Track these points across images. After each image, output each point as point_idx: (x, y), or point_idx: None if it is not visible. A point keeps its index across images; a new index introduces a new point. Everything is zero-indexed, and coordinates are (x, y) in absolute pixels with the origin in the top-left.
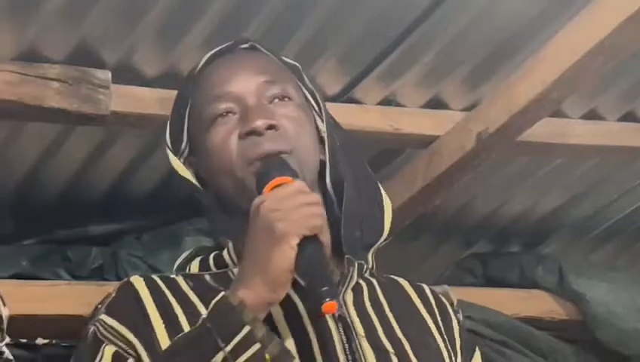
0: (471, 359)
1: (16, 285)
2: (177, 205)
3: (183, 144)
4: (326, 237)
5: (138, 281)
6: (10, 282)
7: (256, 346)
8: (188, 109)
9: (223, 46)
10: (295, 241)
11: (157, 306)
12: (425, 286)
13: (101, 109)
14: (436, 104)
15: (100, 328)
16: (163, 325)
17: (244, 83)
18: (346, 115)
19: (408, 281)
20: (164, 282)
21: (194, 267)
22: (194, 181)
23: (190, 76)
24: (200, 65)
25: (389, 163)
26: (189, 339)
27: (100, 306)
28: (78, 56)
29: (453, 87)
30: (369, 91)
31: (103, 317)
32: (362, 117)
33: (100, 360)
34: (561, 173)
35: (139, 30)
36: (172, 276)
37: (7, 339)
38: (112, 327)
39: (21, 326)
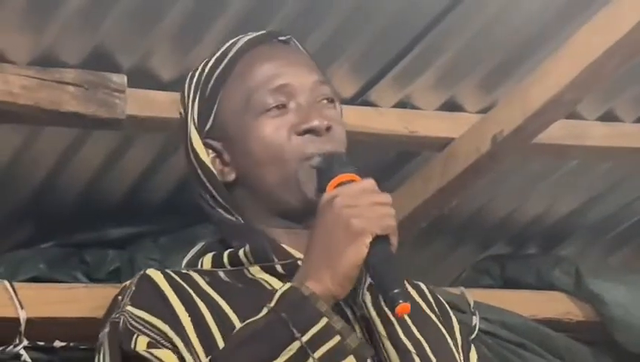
0: (468, 355)
1: (33, 288)
2: (194, 208)
3: (208, 125)
4: (396, 239)
5: (156, 275)
6: (28, 285)
7: (337, 338)
8: (222, 93)
9: (258, 34)
10: (369, 239)
11: (180, 300)
12: (422, 284)
13: (117, 113)
14: (451, 106)
15: (129, 319)
16: (189, 319)
17: (300, 78)
18: (362, 118)
19: (406, 280)
20: (179, 276)
21: (206, 263)
22: (211, 167)
23: (221, 59)
24: (235, 50)
25: (404, 166)
26: (257, 329)
27: (120, 298)
28: (94, 60)
29: (469, 89)
30: (384, 94)
31: (130, 308)
32: (377, 120)
33: (135, 348)
34: (577, 175)
35: (154, 34)
36: (185, 271)
37: (25, 342)
38: (141, 318)
39: (39, 329)
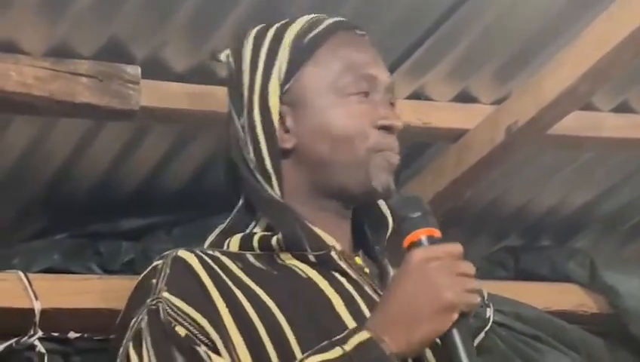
0: None
1: (48, 279)
2: (208, 200)
3: (286, 87)
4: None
5: (189, 257)
6: (42, 276)
7: None
8: (310, 61)
9: (341, 19)
10: (456, 316)
11: (215, 285)
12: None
13: (131, 105)
14: (465, 98)
15: (167, 308)
16: (225, 306)
17: (383, 75)
18: None
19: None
20: (211, 259)
21: (234, 245)
22: (277, 126)
23: (309, 30)
24: (325, 26)
25: (418, 157)
26: None
27: (154, 282)
28: (108, 51)
29: (483, 80)
30: (397, 85)
31: (167, 295)
32: None
33: (173, 337)
34: (591, 167)
35: (168, 25)
36: (211, 252)
37: (40, 333)
38: (179, 308)
39: (53, 320)
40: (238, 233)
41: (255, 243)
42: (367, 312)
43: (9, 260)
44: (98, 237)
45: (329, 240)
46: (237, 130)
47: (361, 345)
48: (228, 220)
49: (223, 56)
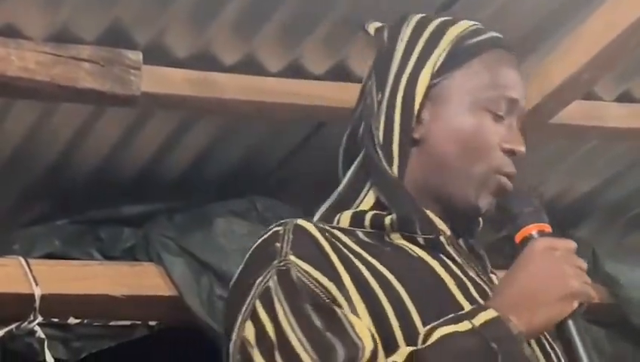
0: None
1: (48, 265)
2: (209, 186)
3: (436, 80)
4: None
5: (311, 227)
6: (43, 262)
7: None
8: (466, 64)
9: (499, 36)
10: (577, 304)
11: (336, 254)
12: None
13: (132, 90)
14: None
15: (296, 271)
16: (347, 274)
17: (523, 101)
18: None
19: None
20: (327, 233)
21: (344, 220)
22: (415, 111)
23: (472, 36)
24: (487, 37)
25: None
26: (462, 349)
27: (278, 245)
28: (109, 37)
29: None
30: None
31: (294, 258)
32: None
33: (308, 295)
34: (594, 156)
35: (170, 11)
36: (323, 226)
37: (40, 319)
38: (306, 271)
39: (53, 306)
40: (347, 209)
41: (367, 222)
42: (475, 295)
43: (9, 246)
44: (99, 223)
45: (440, 223)
46: (372, 102)
47: (489, 322)
48: (336, 194)
49: (371, 29)
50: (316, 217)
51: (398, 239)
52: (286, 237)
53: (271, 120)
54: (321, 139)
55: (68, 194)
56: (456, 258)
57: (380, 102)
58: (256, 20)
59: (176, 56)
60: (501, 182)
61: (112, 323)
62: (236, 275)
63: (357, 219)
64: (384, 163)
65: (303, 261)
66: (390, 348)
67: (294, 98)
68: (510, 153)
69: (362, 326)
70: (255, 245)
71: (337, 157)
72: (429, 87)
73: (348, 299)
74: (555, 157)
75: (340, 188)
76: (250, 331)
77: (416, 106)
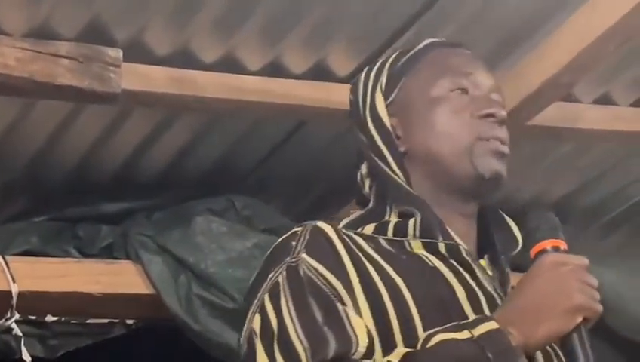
0: None
1: (26, 262)
2: (188, 184)
3: (389, 99)
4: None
5: (329, 229)
6: (20, 259)
7: None
8: (410, 72)
9: (438, 40)
10: (581, 318)
11: (349, 255)
12: None
13: (112, 87)
14: None
15: (305, 268)
16: (356, 275)
17: (485, 74)
18: None
19: None
20: (346, 236)
21: (368, 229)
22: (391, 130)
23: (409, 49)
24: (424, 45)
25: None
26: (457, 356)
27: (293, 243)
28: (89, 33)
29: None
30: None
31: (305, 256)
32: None
33: (313, 291)
34: (572, 159)
35: (150, 9)
36: (346, 231)
37: (17, 316)
38: (316, 269)
39: (30, 303)
40: (374, 222)
41: (390, 230)
42: (486, 310)
43: None
44: (77, 220)
45: (456, 238)
46: (361, 144)
47: (489, 333)
48: (365, 210)
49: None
50: (342, 223)
51: (418, 248)
52: (302, 237)
53: (250, 118)
54: (300, 138)
55: (46, 191)
56: (475, 270)
57: (364, 141)
58: (236, 19)
59: (156, 53)
60: (490, 145)
61: (89, 321)
62: (255, 272)
63: (381, 228)
64: (395, 178)
65: (314, 259)
66: (389, 350)
67: (274, 97)
68: (488, 117)
69: (360, 324)
70: (275, 244)
71: (317, 157)
72: (389, 106)
73: (353, 299)
74: (532, 159)
75: (364, 211)
76: (257, 322)
77: (388, 126)
